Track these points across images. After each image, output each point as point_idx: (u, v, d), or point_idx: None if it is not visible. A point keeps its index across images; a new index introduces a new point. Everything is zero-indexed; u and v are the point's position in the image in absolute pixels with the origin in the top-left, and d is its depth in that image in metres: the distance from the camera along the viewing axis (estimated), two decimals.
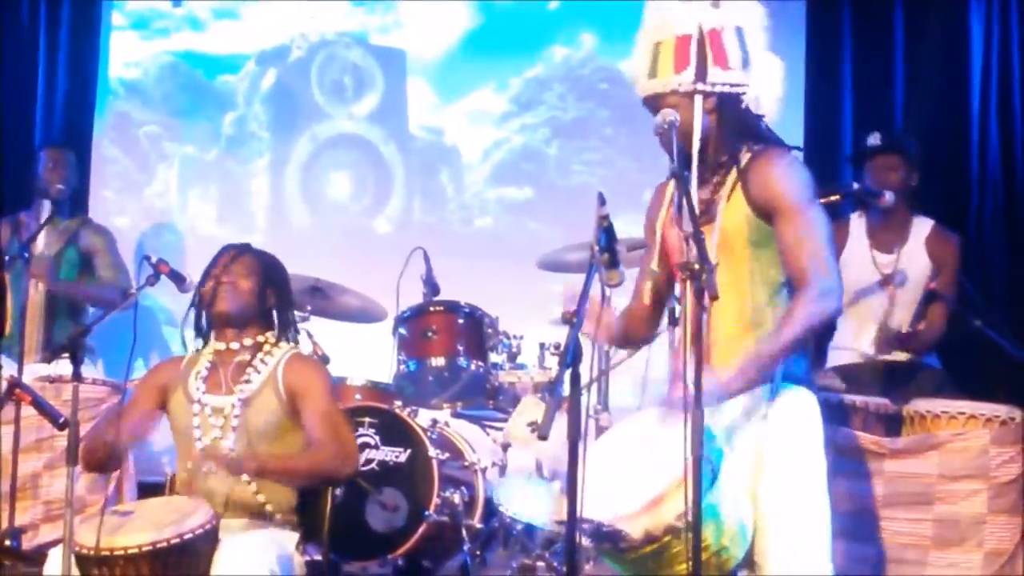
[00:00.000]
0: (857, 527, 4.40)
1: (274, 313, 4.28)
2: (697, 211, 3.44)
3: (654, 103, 3.49)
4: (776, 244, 3.42)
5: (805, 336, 3.37)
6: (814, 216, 3.42)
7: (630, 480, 3.23)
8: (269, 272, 4.27)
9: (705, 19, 3.45)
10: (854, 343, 5.35)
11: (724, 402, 3.32)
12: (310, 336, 5.43)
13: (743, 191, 3.45)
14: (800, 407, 3.44)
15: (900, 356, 5.27)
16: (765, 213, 3.43)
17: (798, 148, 3.62)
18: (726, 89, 3.45)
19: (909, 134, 6.11)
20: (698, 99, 3.43)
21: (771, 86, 3.53)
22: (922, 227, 5.39)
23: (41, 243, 5.93)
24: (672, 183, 3.56)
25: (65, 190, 6.08)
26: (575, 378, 3.10)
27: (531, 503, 4.94)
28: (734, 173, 3.47)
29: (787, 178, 3.43)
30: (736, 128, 3.49)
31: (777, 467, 3.37)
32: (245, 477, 4.01)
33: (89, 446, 4.02)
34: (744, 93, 3.47)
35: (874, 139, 5.45)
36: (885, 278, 5.33)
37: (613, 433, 3.50)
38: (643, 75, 3.52)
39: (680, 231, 3.45)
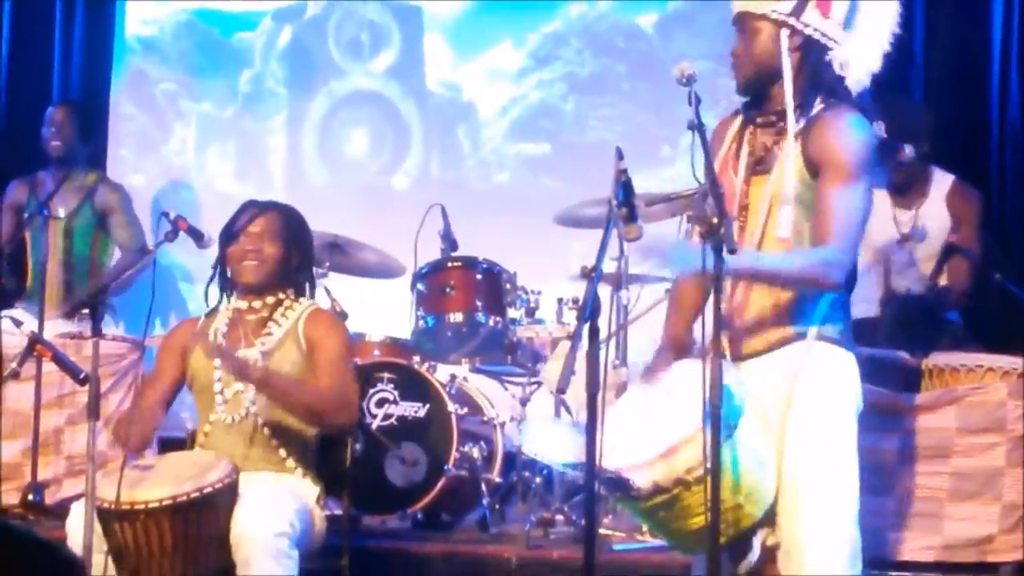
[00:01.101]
0: (874, 481, 4.41)
1: (295, 271, 4.29)
2: (755, 157, 3.41)
3: (741, 22, 3.41)
4: (815, 200, 3.33)
5: (793, 283, 3.31)
6: (857, 188, 3.32)
7: (647, 430, 3.23)
8: (294, 231, 4.27)
9: None
10: (874, 297, 5.34)
11: (685, 268, 3.27)
12: (328, 292, 5.44)
13: (802, 146, 3.34)
14: (832, 366, 3.36)
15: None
16: (816, 171, 3.33)
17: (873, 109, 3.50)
18: (815, 35, 3.35)
19: (929, 91, 6.12)
20: (784, 33, 3.34)
21: (866, 59, 3.40)
22: (943, 182, 5.36)
23: (60, 201, 5.94)
24: (736, 121, 3.50)
25: (63, 147, 6.08)
26: (594, 332, 3.11)
27: (554, 443, 4.94)
28: (800, 124, 3.35)
29: (845, 140, 3.32)
30: (813, 79, 3.37)
31: (805, 426, 3.30)
32: (266, 430, 4.04)
33: (121, 426, 4.04)
34: (832, 49, 3.37)
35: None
36: (903, 235, 5.31)
37: (642, 384, 3.48)
38: None
39: (733, 176, 3.41)
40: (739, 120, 3.51)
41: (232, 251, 4.18)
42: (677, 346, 3.54)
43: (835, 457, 3.32)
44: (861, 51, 3.40)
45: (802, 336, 3.34)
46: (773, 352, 3.37)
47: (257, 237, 4.17)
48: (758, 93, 3.43)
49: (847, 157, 3.31)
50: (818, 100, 3.38)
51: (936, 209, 5.32)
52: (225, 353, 3.95)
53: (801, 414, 3.31)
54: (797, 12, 3.34)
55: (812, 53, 3.37)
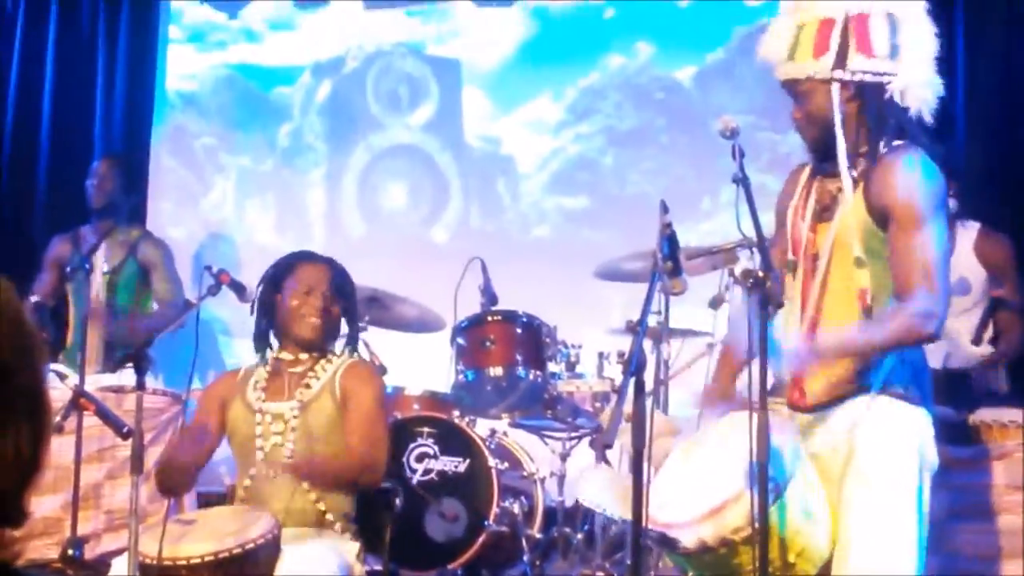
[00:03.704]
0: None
1: (341, 326, 4.30)
2: (821, 205, 3.38)
3: (791, 88, 3.38)
4: (888, 252, 3.27)
5: (891, 345, 3.24)
6: (933, 230, 3.24)
7: (696, 487, 3.20)
8: (349, 288, 4.30)
9: (852, 2, 3.31)
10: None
11: (793, 368, 3.25)
12: (368, 346, 5.43)
13: (864, 192, 3.29)
14: (895, 421, 3.29)
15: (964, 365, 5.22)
16: (882, 217, 3.27)
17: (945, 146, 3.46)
18: (867, 78, 3.30)
19: (968, 138, 6.09)
20: (835, 87, 3.30)
21: (922, 76, 3.33)
22: (968, 232, 5.31)
23: (102, 256, 5.97)
24: (806, 170, 3.48)
25: (105, 200, 6.12)
26: (639, 386, 3.08)
27: (613, 495, 4.88)
28: (858, 174, 3.31)
29: (909, 184, 3.25)
30: (878, 120, 3.32)
31: (864, 482, 3.25)
32: (305, 485, 4.03)
33: (164, 470, 4.03)
34: (889, 83, 3.31)
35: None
36: None
37: (698, 435, 3.44)
38: (782, 58, 3.38)
39: (801, 224, 3.39)
40: (808, 168, 3.49)
41: (294, 305, 4.17)
42: (726, 398, 3.50)
43: (892, 514, 3.24)
44: (915, 72, 3.33)
45: (866, 390, 3.30)
46: (836, 405, 3.33)
47: (320, 294, 4.18)
48: (828, 147, 3.36)
49: (912, 200, 3.25)
50: (883, 144, 3.33)
51: (966, 260, 5.26)
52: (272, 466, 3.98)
53: (860, 469, 3.26)
54: (841, 63, 3.30)
55: (870, 95, 3.32)
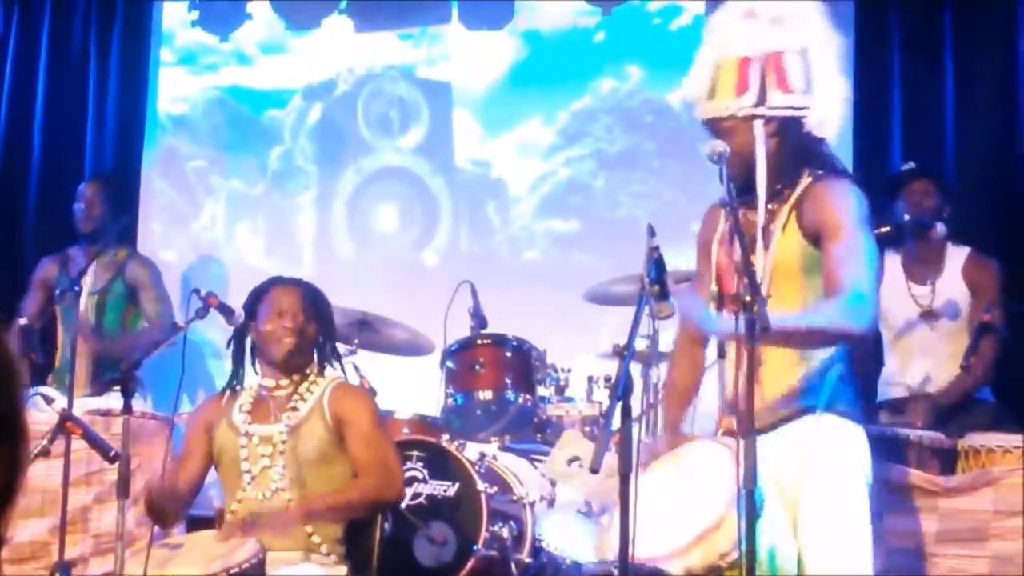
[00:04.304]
0: (911, 564, 4.34)
1: (322, 347, 4.30)
2: (751, 238, 3.45)
3: (712, 126, 3.46)
4: (821, 266, 3.38)
5: (827, 333, 3.30)
6: (862, 240, 3.38)
7: (674, 517, 3.22)
8: (321, 307, 4.30)
9: (767, 41, 3.42)
10: (900, 377, 5.30)
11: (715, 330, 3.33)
12: (357, 369, 5.43)
13: (796, 218, 3.42)
14: (843, 439, 3.41)
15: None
16: (816, 238, 3.40)
17: (858, 174, 3.60)
18: (787, 113, 3.41)
19: (960, 166, 6.10)
20: (758, 124, 3.40)
21: (834, 109, 3.48)
22: (958, 256, 5.33)
23: (91, 277, 5.96)
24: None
25: (94, 222, 6.11)
26: (626, 411, 3.07)
27: (575, 539, 4.89)
28: (790, 201, 3.44)
29: (840, 202, 3.40)
30: (797, 153, 3.45)
31: (819, 499, 3.35)
32: (291, 502, 4.01)
33: (157, 501, 4.02)
34: (805, 117, 3.43)
35: (908, 165, 5.46)
36: (925, 311, 5.28)
37: (658, 467, 3.47)
38: (702, 97, 3.47)
39: (731, 259, 3.45)
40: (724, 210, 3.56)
41: (267, 329, 4.18)
42: (675, 431, 3.57)
43: (848, 528, 3.36)
44: (828, 105, 3.46)
45: (812, 410, 3.39)
46: (783, 427, 3.39)
47: (292, 315, 4.18)
48: (749, 181, 3.45)
49: (841, 215, 3.38)
50: (806, 173, 3.46)
51: (954, 283, 5.28)
52: (259, 525, 3.94)
53: (814, 488, 3.35)
54: (762, 100, 3.40)
55: (790, 130, 3.44)
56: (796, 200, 3.43)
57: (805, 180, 3.45)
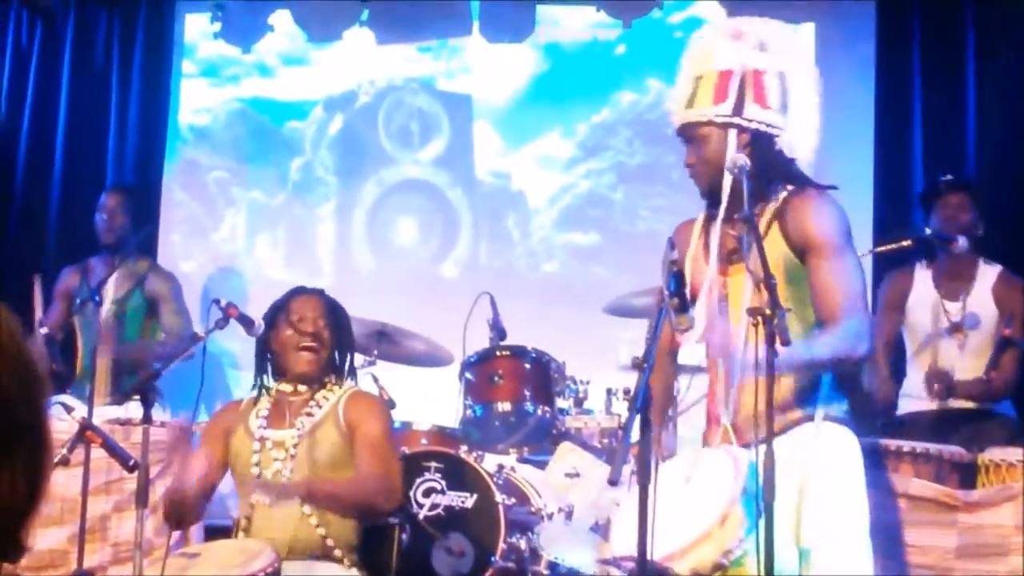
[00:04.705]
0: None
1: (341, 357, 4.32)
2: (727, 250, 3.51)
3: (687, 133, 3.52)
4: (808, 283, 3.44)
5: (831, 363, 3.40)
6: (848, 257, 3.46)
7: (674, 520, 3.23)
8: (340, 318, 4.33)
9: (749, 59, 3.47)
10: (920, 391, 5.28)
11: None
12: (376, 380, 5.43)
13: (780, 229, 3.47)
14: (842, 445, 3.48)
15: (969, 404, 5.21)
16: (800, 251, 3.45)
17: (834, 187, 3.61)
18: (761, 127, 3.46)
19: (981, 175, 6.08)
20: (732, 133, 3.44)
21: (808, 134, 3.53)
22: (989, 273, 5.34)
23: (111, 287, 5.98)
24: (698, 220, 3.64)
25: (115, 233, 6.12)
26: (645, 423, 3.08)
27: (573, 547, 4.89)
28: (769, 212, 3.49)
29: (823, 217, 3.46)
30: (768, 168, 3.49)
31: (821, 504, 3.40)
32: (307, 510, 4.02)
33: (172, 503, 4.04)
34: (778, 135, 3.49)
35: (946, 177, 5.45)
36: (953, 325, 5.27)
37: (662, 473, 3.48)
38: (680, 105, 3.54)
39: (706, 268, 3.51)
40: (701, 217, 3.63)
41: (288, 338, 4.21)
42: (656, 441, 3.58)
43: (851, 531, 3.42)
44: (801, 130, 3.52)
45: (810, 418, 3.46)
46: (782, 436, 3.39)
47: (313, 322, 4.21)
48: (718, 194, 3.49)
49: (828, 233, 3.45)
50: (781, 186, 3.51)
51: (984, 300, 5.29)
52: (266, 487, 3.98)
53: (817, 492, 3.41)
54: (739, 110, 3.45)
55: (761, 145, 3.48)
56: (776, 212, 3.49)
57: (783, 193, 3.51)
